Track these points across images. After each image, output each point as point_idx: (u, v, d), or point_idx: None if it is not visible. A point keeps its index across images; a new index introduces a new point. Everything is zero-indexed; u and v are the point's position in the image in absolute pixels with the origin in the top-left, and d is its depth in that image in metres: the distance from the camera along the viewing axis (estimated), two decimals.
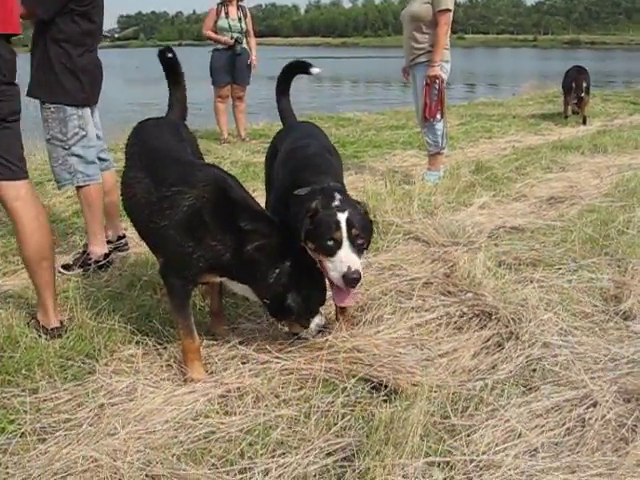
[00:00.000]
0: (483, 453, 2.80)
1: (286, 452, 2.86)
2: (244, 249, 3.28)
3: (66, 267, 5.21)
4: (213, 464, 2.82)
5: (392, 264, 5.00)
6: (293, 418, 3.11)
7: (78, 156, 5.11)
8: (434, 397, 3.14)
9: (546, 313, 3.95)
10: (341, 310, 3.95)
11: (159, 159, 3.67)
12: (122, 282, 4.82)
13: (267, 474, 2.71)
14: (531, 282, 4.50)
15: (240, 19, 10.85)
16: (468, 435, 2.93)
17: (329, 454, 2.84)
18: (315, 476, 2.72)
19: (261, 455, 2.84)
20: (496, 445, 2.86)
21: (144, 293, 4.54)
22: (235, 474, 2.75)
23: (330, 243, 3.22)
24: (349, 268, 3.16)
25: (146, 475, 2.73)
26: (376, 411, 3.05)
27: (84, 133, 5.12)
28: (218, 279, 3.51)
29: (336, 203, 3.31)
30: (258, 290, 3.42)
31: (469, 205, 6.80)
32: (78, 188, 5.22)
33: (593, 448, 2.86)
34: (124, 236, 5.78)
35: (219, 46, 10.81)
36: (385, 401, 3.22)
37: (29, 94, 5.00)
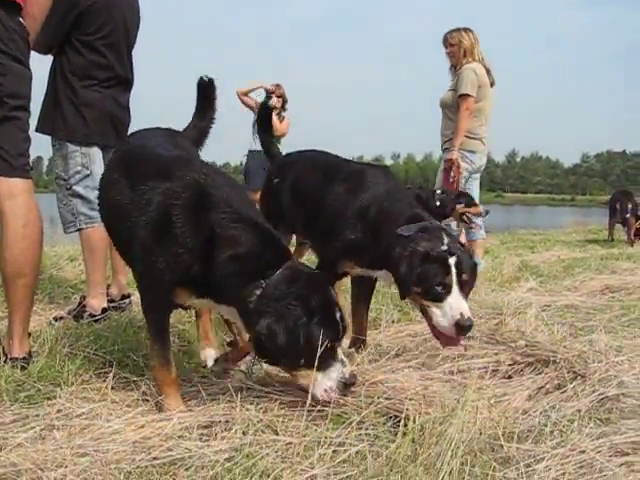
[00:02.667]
0: None
1: None
2: (217, 259, 2.58)
3: (58, 319, 4.58)
4: None
5: None
6: (288, 446, 2.33)
7: (80, 197, 4.63)
8: (481, 424, 2.34)
9: (618, 356, 3.16)
10: None
11: (140, 156, 3.12)
12: (110, 323, 4.16)
13: None
14: (593, 333, 3.70)
15: None
16: (528, 465, 2.12)
17: None
18: None
19: None
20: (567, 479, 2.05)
21: (132, 332, 3.87)
22: None
23: (439, 288, 2.94)
24: (462, 315, 2.88)
25: None
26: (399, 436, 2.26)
27: (87, 172, 4.64)
28: (195, 299, 2.78)
29: (444, 246, 3.00)
30: (243, 317, 2.66)
31: (515, 289, 6.07)
32: (80, 231, 4.71)
33: None
34: (129, 296, 5.15)
35: (254, 147, 10.58)
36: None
37: (37, 129, 4.64)
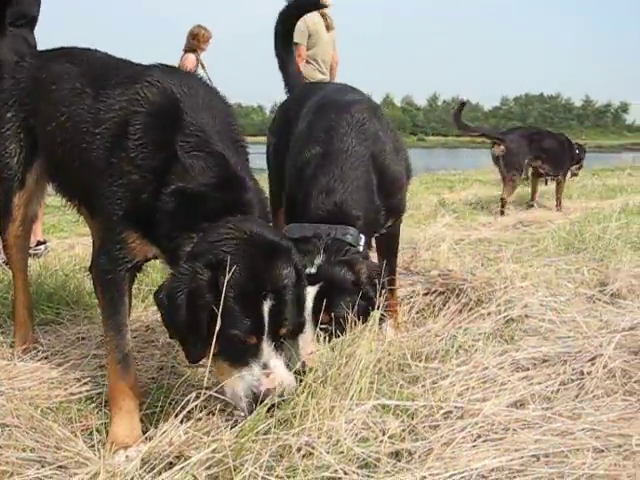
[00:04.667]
0: (454, 401, 2.10)
1: None
2: (164, 190, 2.09)
3: None
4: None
5: None
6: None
7: None
8: (389, 343, 2.43)
9: (523, 282, 3.31)
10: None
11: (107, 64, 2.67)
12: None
13: None
14: (501, 262, 3.84)
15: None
16: (434, 382, 2.23)
17: None
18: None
19: None
20: (471, 394, 2.16)
21: (47, 277, 3.79)
22: None
23: None
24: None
25: None
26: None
27: None
28: (147, 249, 2.21)
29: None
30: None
31: (431, 225, 6.20)
32: None
33: (597, 397, 2.19)
34: (45, 242, 5.02)
35: None
36: None
37: None
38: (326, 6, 3.84)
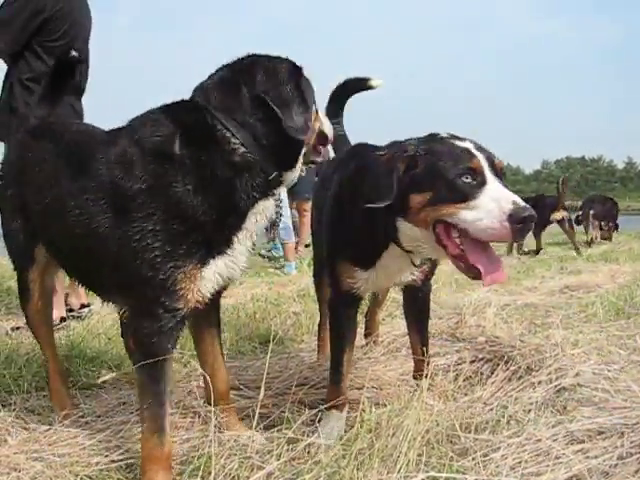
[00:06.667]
0: (506, 475, 2.00)
1: None
2: None
3: (15, 329, 4.48)
4: None
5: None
6: (244, 446, 2.30)
7: None
8: (437, 413, 2.35)
9: (574, 349, 3.20)
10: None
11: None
12: (68, 332, 4.08)
13: None
14: (549, 329, 3.74)
15: None
16: (485, 455, 2.13)
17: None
18: None
19: None
20: (524, 468, 2.06)
21: (91, 340, 3.81)
22: None
23: (467, 180, 2.09)
24: (515, 203, 2.01)
25: None
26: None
27: None
28: None
29: (449, 139, 2.23)
30: None
31: (475, 290, 6.11)
32: None
33: None
34: (89, 305, 5.07)
35: None
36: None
37: None
38: (374, 87, 3.71)
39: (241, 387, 2.92)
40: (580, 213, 13.38)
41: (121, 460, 2.31)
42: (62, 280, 4.66)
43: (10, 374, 3.15)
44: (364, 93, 3.55)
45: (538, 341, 3.34)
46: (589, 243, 12.86)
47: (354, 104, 3.58)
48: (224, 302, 3.85)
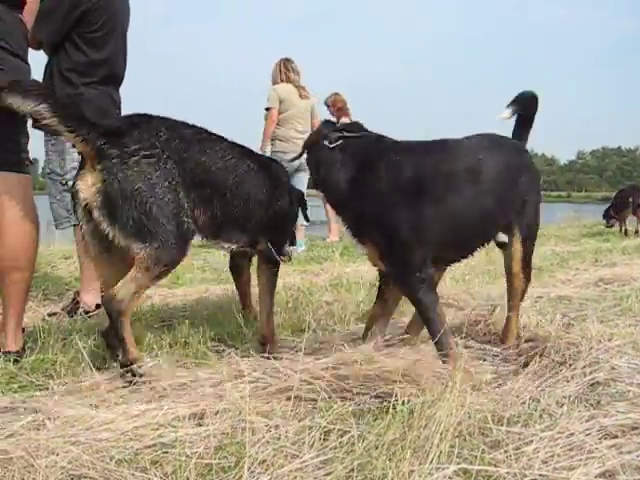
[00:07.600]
0: (539, 469, 1.99)
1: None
2: None
3: (52, 315, 4.57)
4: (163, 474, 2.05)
5: None
6: (278, 431, 2.32)
7: None
8: (469, 405, 2.34)
9: (609, 343, 3.16)
10: None
11: None
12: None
13: None
14: (585, 322, 3.69)
15: None
16: (517, 448, 2.12)
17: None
18: None
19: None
20: (557, 462, 2.05)
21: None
22: None
23: None
24: None
25: (68, 474, 1.99)
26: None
27: None
28: None
29: None
30: None
31: None
32: (75, 227, 4.68)
33: None
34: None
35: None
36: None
37: (34, 125, 4.62)
38: None
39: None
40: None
41: (154, 445, 2.35)
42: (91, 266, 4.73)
43: (48, 359, 3.23)
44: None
45: (572, 334, 3.30)
46: (626, 232, 12.69)
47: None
48: (254, 290, 3.91)
